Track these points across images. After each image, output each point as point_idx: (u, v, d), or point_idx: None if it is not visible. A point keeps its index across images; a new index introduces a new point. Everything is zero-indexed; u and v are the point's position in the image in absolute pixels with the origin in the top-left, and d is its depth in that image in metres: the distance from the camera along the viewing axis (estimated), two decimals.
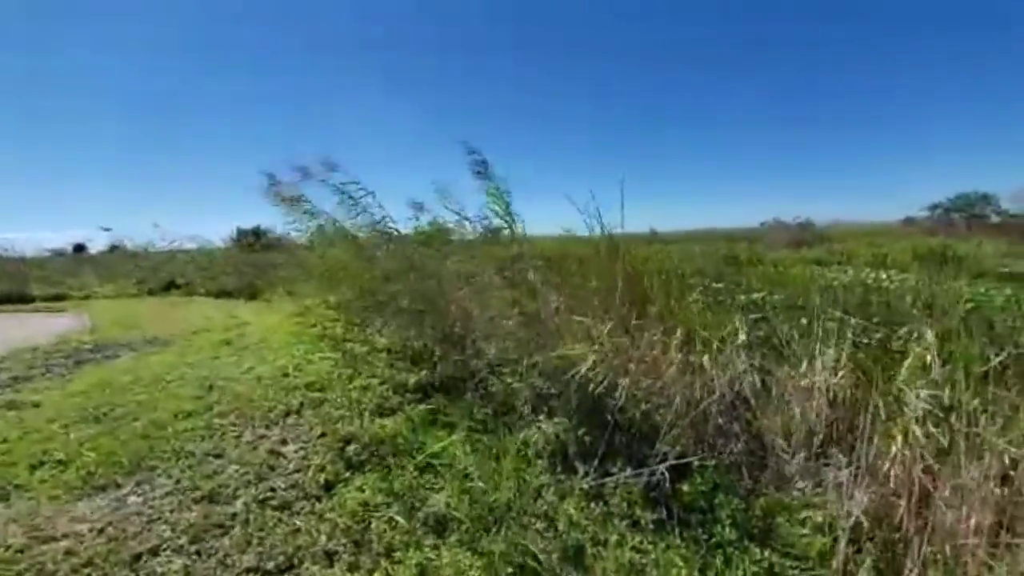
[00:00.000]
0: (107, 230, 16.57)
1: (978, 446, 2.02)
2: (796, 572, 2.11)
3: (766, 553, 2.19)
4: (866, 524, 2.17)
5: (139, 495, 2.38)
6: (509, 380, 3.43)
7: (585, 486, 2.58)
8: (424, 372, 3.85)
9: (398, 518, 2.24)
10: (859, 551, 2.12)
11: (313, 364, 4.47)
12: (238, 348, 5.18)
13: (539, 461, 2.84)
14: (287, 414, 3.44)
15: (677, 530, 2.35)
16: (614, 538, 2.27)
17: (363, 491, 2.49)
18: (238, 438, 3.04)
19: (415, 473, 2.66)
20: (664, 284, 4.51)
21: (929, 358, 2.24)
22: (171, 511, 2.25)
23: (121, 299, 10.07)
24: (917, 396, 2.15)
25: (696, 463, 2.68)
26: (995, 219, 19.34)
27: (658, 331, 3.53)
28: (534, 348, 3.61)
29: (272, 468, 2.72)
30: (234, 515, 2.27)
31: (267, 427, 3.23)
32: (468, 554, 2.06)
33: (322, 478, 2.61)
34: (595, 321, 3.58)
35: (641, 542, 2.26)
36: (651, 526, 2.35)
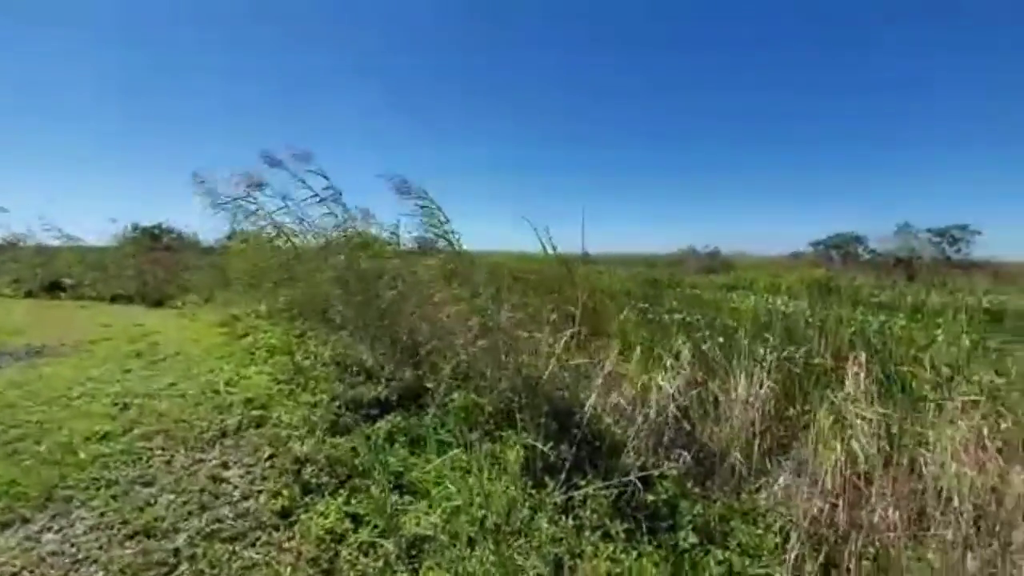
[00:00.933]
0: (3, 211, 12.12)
1: (898, 451, 2.36)
2: (753, 570, 2.30)
3: (726, 554, 2.37)
4: (806, 524, 2.43)
5: (55, 531, 2.03)
6: (472, 395, 3.39)
7: (558, 499, 2.61)
8: (379, 387, 3.68)
9: (381, 540, 2.11)
10: (803, 547, 2.36)
11: (249, 379, 4.09)
12: (152, 360, 4.59)
13: (504, 476, 2.83)
14: (224, 435, 3.11)
15: (646, 538, 2.46)
16: (589, 549, 2.33)
17: (327, 516, 2.33)
18: (168, 463, 2.70)
19: (381, 494, 2.52)
20: (614, 305, 4.77)
21: (861, 376, 2.59)
22: (99, 548, 1.94)
23: None
24: (857, 413, 2.47)
25: (656, 473, 2.83)
26: (865, 256, 22.73)
27: (611, 348, 3.72)
28: (491, 362, 3.61)
29: (215, 496, 2.45)
30: (177, 551, 2.02)
31: (202, 450, 2.90)
32: None
33: (278, 504, 2.40)
34: (551, 335, 3.69)
35: (614, 551, 2.33)
36: (622, 535, 2.44)
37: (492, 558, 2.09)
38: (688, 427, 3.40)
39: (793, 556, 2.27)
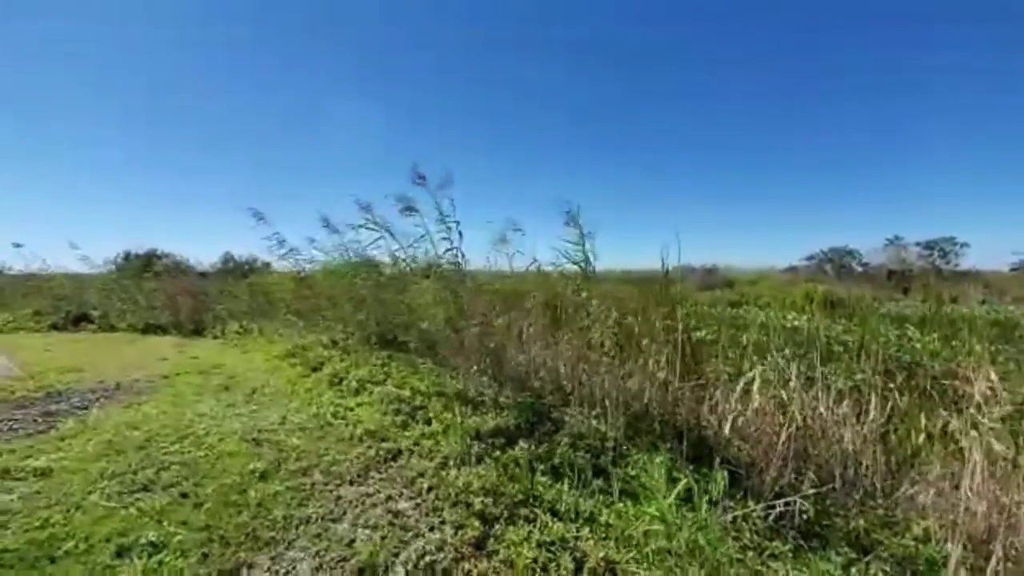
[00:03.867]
0: (18, 246, 12.19)
1: None
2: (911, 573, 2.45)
3: (885, 567, 2.52)
4: (961, 531, 2.60)
5: (287, 575, 2.08)
6: (593, 421, 3.52)
7: (720, 520, 2.74)
8: (499, 415, 3.78)
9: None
10: (964, 552, 2.52)
11: (353, 411, 4.14)
12: (245, 395, 4.61)
13: (653, 500, 2.95)
14: (368, 468, 3.17)
15: (807, 556, 2.60)
16: (766, 570, 2.46)
17: (521, 547, 2.41)
18: (339, 499, 2.76)
19: (559, 522, 2.63)
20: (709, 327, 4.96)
21: (992, 389, 2.81)
22: None
23: (19, 334, 8.24)
24: (989, 423, 2.68)
25: (809, 491, 2.99)
26: (858, 269, 23.61)
27: (714, 369, 3.91)
28: (613, 388, 3.76)
29: (404, 528, 2.52)
30: None
31: (360, 483, 2.96)
32: None
33: (468, 535, 2.48)
34: (657, 356, 3.86)
35: (788, 571, 2.46)
36: (789, 555, 2.58)
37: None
38: (806, 445, 3.56)
39: (954, 562, 2.44)
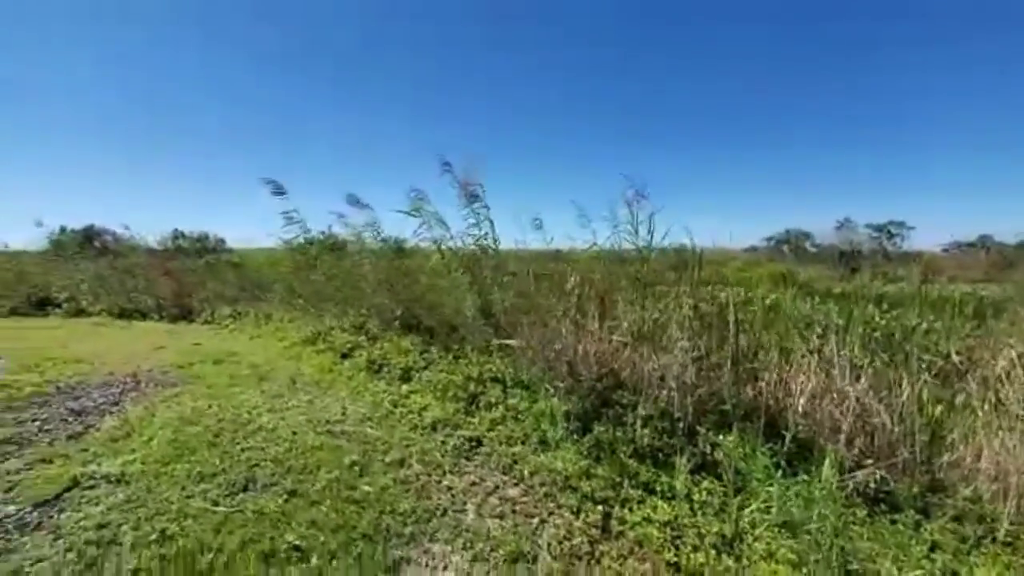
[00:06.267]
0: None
1: None
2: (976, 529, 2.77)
3: (948, 526, 2.83)
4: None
5: (447, 569, 2.08)
6: (662, 404, 3.66)
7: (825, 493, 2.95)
8: (565, 400, 3.84)
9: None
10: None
11: (409, 398, 4.08)
12: (285, 385, 4.41)
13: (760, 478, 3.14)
14: (460, 455, 3.18)
15: (881, 520, 2.88)
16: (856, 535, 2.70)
17: (643, 527, 2.52)
18: (450, 489, 2.75)
19: (663, 501, 2.76)
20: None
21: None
22: None
23: None
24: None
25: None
26: (812, 250, 25.24)
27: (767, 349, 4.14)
28: (673, 370, 3.90)
29: (527, 515, 2.56)
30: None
31: (455, 473, 2.96)
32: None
33: (592, 519, 2.56)
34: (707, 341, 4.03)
35: (874, 536, 2.72)
36: (868, 521, 2.84)
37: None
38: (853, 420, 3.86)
39: (1010, 510, 2.77)
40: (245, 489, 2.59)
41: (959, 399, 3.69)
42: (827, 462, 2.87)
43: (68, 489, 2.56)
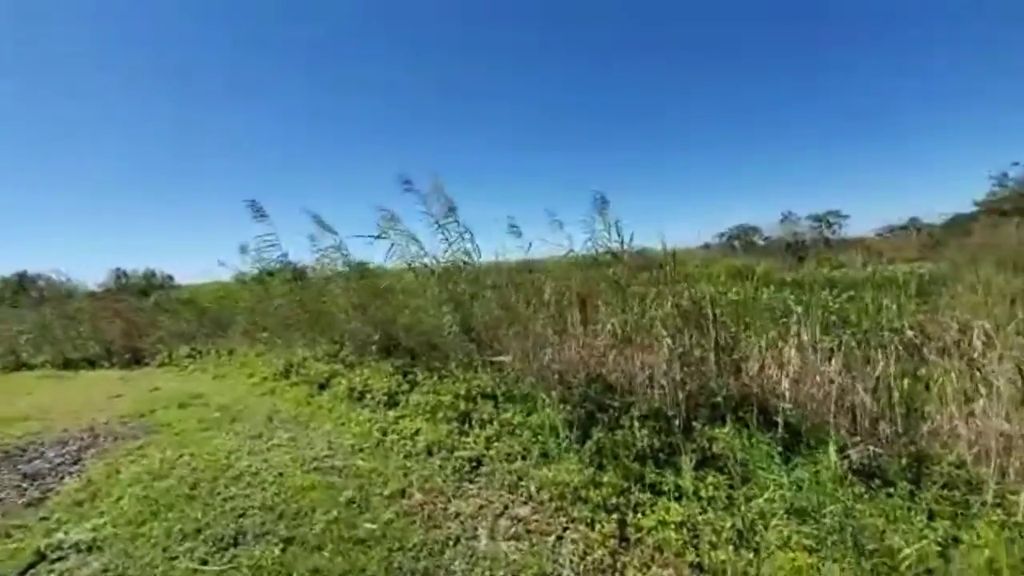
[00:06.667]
0: None
1: None
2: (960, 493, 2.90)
3: (940, 492, 2.95)
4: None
5: None
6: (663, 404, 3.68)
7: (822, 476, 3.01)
8: (559, 410, 3.78)
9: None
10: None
11: (399, 425, 3.91)
12: (261, 423, 4.14)
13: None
14: (462, 479, 3.05)
15: (878, 493, 2.97)
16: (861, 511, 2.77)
17: (660, 531, 2.48)
18: (457, 516, 2.63)
19: (673, 501, 2.74)
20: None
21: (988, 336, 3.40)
22: None
23: None
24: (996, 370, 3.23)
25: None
26: (761, 243, 26.52)
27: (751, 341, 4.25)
28: (663, 369, 3.93)
29: (542, 533, 2.48)
30: None
31: (460, 497, 2.84)
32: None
33: (607, 529, 2.50)
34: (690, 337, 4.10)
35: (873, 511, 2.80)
36: (866, 496, 2.92)
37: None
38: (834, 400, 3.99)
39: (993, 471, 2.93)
40: (235, 543, 2.37)
41: (921, 371, 3.89)
42: (831, 446, 2.93)
43: (33, 565, 2.27)
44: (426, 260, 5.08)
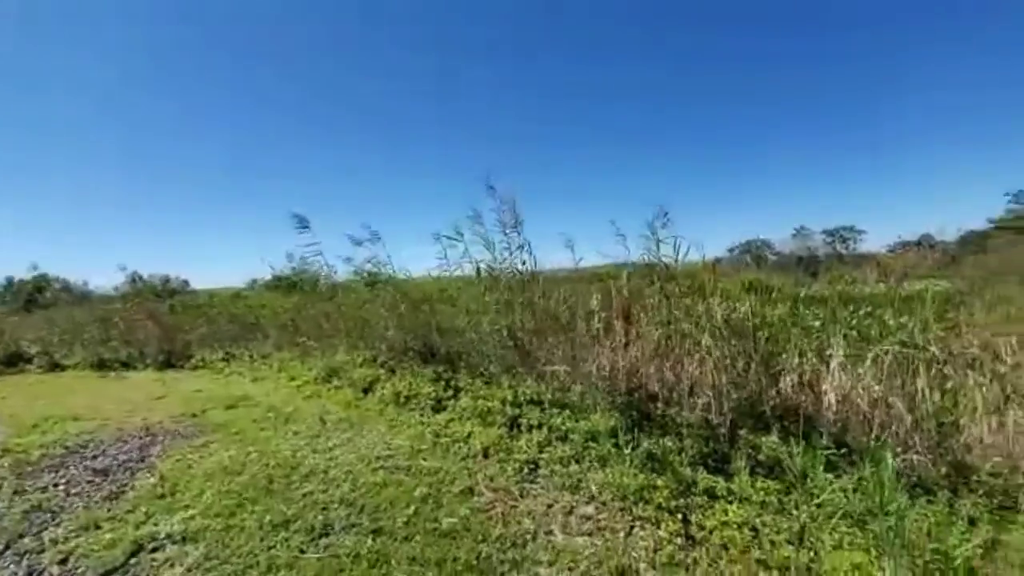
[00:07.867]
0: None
1: None
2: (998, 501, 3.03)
3: (979, 500, 3.08)
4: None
5: None
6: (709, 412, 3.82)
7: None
8: (607, 416, 3.93)
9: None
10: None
11: (450, 428, 4.07)
12: (315, 424, 4.30)
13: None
14: (521, 480, 3.19)
15: (920, 501, 3.10)
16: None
17: (722, 531, 2.62)
18: (530, 513, 2.77)
19: (730, 504, 2.88)
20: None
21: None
22: None
23: None
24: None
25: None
26: (772, 258, 26.69)
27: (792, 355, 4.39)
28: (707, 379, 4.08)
29: (611, 531, 2.63)
30: None
31: (527, 496, 2.99)
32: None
33: (671, 528, 2.64)
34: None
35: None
36: (909, 504, 3.05)
37: None
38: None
39: None
40: (326, 534, 2.53)
41: (948, 385, 4.03)
42: (888, 455, 3.07)
43: (134, 553, 2.42)
44: (486, 267, 5.26)
